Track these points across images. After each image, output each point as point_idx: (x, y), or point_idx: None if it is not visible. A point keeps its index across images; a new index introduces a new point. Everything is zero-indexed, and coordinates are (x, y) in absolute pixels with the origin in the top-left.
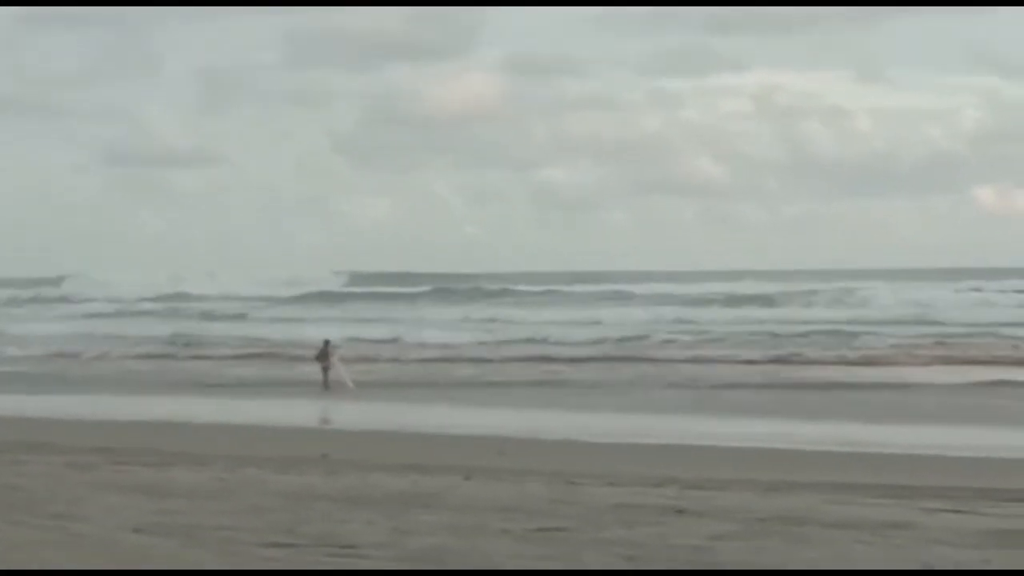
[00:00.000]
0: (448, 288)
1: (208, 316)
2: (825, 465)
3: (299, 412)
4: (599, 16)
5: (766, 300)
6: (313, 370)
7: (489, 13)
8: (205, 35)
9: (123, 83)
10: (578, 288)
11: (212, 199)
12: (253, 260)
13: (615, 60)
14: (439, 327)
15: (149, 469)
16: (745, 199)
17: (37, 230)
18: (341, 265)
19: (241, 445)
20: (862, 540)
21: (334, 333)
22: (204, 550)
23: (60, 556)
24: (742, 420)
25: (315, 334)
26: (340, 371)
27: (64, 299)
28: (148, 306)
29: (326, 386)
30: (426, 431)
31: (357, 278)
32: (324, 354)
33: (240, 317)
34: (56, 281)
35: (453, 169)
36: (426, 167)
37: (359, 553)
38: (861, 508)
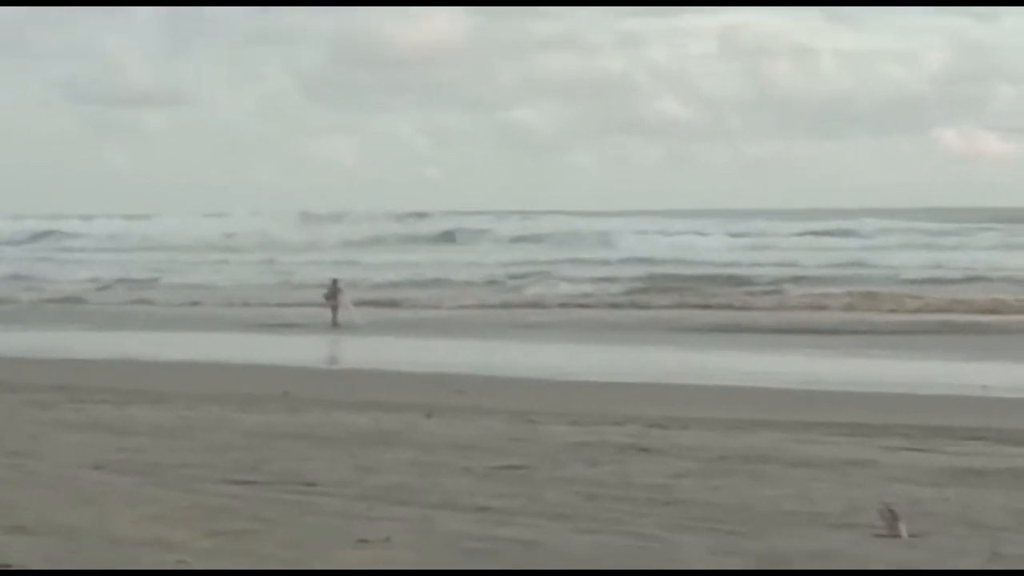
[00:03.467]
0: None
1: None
2: (787, 404)
3: (261, 350)
4: None
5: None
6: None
7: None
8: None
9: (91, 21)
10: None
11: (175, 139)
12: (210, 200)
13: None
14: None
15: (109, 407)
16: (710, 139)
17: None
18: (299, 204)
19: (202, 383)
20: (821, 478)
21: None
22: (165, 487)
23: (17, 494)
24: (704, 359)
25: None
26: (350, 309)
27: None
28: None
29: (335, 324)
30: (387, 369)
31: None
32: (333, 292)
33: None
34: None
35: (418, 110)
36: (391, 108)
37: (320, 491)
38: (822, 447)
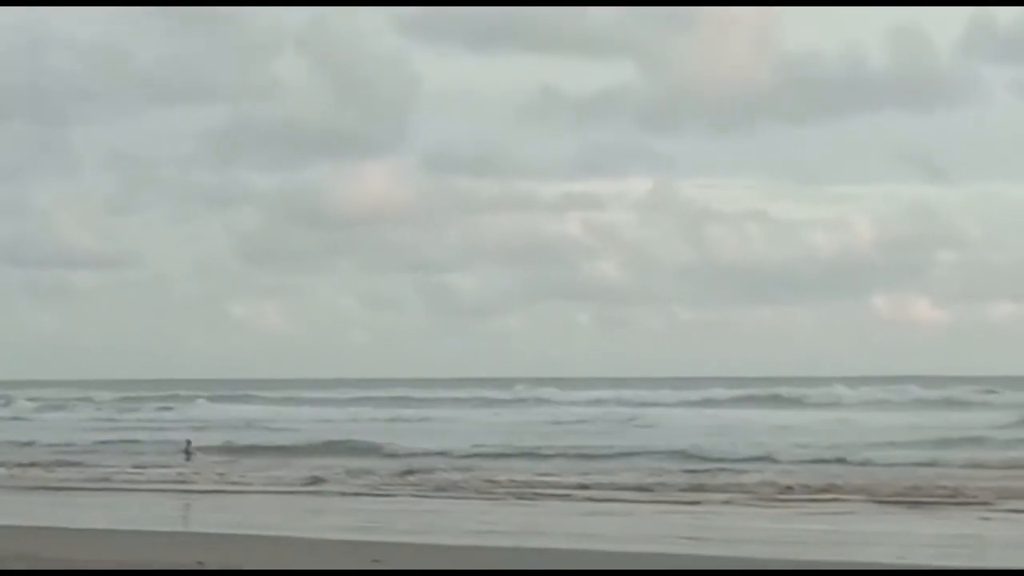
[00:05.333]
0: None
1: None
2: None
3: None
4: (538, 109)
5: None
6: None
7: (423, 105)
8: (126, 131)
9: (36, 179)
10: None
11: (110, 301)
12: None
13: (536, 159)
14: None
15: None
16: (645, 303)
17: None
18: (225, 370)
19: (116, 551)
20: None
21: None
22: None
23: None
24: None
25: None
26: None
27: None
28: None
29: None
30: (302, 536)
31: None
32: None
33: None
34: None
35: (353, 272)
36: (326, 270)
37: None
38: None
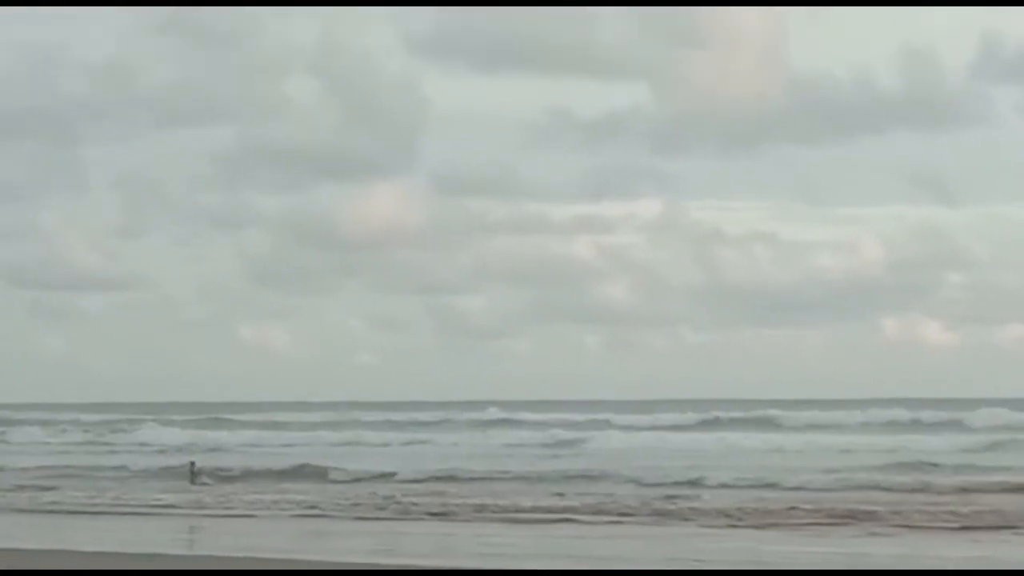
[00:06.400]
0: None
1: None
2: None
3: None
4: (548, 131)
5: None
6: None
7: (433, 126)
8: (135, 152)
9: (44, 200)
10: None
11: (117, 323)
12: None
13: (546, 181)
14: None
15: None
16: (654, 326)
17: None
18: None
19: None
20: None
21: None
22: None
23: None
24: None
25: None
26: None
27: None
28: None
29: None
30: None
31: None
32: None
33: None
34: None
35: (362, 293)
36: (335, 291)
37: None
38: None
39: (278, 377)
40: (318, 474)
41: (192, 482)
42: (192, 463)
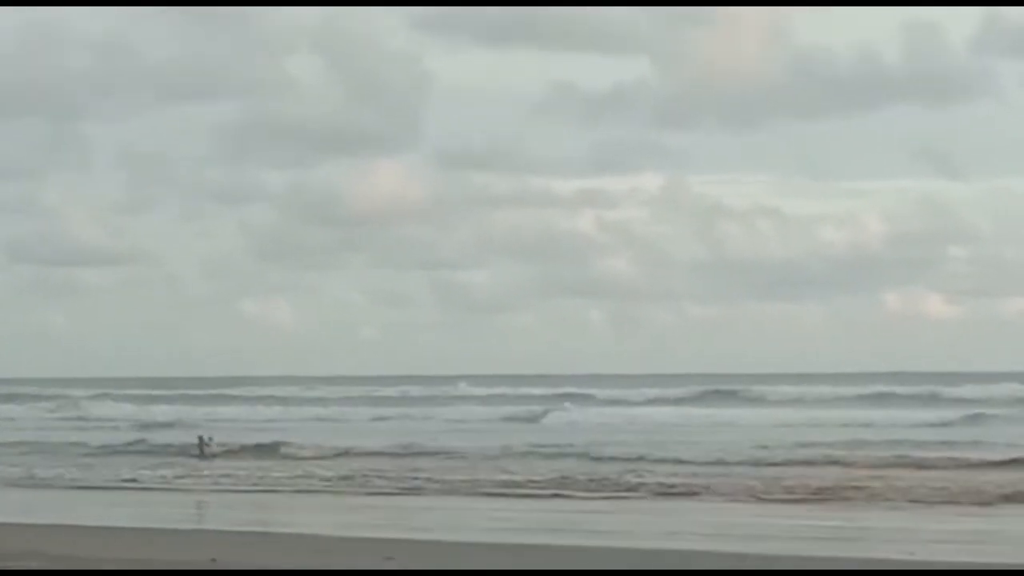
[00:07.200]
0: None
1: None
2: None
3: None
4: (551, 106)
5: None
6: None
7: (436, 102)
8: (139, 128)
9: (48, 176)
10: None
11: (121, 298)
12: (147, 362)
13: (549, 156)
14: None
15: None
16: (656, 300)
17: None
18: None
19: (132, 550)
20: None
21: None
22: None
23: None
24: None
25: None
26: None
27: None
28: None
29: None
30: (318, 533)
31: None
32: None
33: None
34: None
35: (366, 268)
36: (339, 267)
37: None
38: None
39: (283, 352)
40: (273, 450)
41: (201, 453)
42: (200, 437)
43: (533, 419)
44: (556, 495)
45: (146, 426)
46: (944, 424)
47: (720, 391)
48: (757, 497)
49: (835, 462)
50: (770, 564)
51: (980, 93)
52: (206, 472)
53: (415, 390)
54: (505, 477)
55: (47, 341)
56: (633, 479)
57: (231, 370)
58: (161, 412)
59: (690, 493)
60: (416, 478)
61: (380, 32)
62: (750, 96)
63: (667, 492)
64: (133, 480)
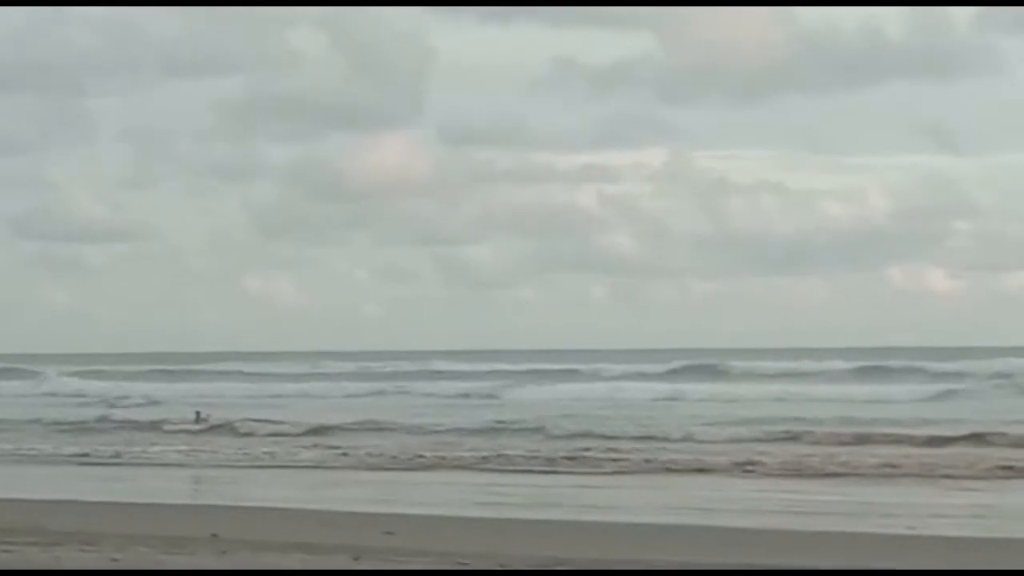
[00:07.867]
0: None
1: None
2: None
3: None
4: (554, 81)
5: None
6: None
7: (439, 77)
8: (142, 103)
9: (52, 152)
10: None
11: (125, 274)
12: (151, 337)
13: (552, 131)
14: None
15: (36, 549)
16: (659, 276)
17: None
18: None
19: (134, 523)
20: None
21: None
22: None
23: None
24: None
25: None
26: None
27: None
28: None
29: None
30: (316, 508)
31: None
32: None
33: None
34: None
35: (369, 244)
36: (342, 242)
37: None
38: None
39: (286, 328)
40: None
41: (196, 422)
42: (197, 412)
43: (496, 395)
44: (547, 471)
45: (151, 401)
46: (936, 398)
47: (717, 367)
48: (747, 471)
49: (819, 441)
50: (764, 539)
51: (984, 69)
52: (197, 447)
53: (407, 365)
54: (487, 453)
55: (50, 316)
56: (633, 456)
57: (234, 345)
58: (160, 388)
59: (687, 470)
60: (381, 454)
61: (383, 7)
62: (754, 71)
63: (660, 468)
64: (117, 456)
